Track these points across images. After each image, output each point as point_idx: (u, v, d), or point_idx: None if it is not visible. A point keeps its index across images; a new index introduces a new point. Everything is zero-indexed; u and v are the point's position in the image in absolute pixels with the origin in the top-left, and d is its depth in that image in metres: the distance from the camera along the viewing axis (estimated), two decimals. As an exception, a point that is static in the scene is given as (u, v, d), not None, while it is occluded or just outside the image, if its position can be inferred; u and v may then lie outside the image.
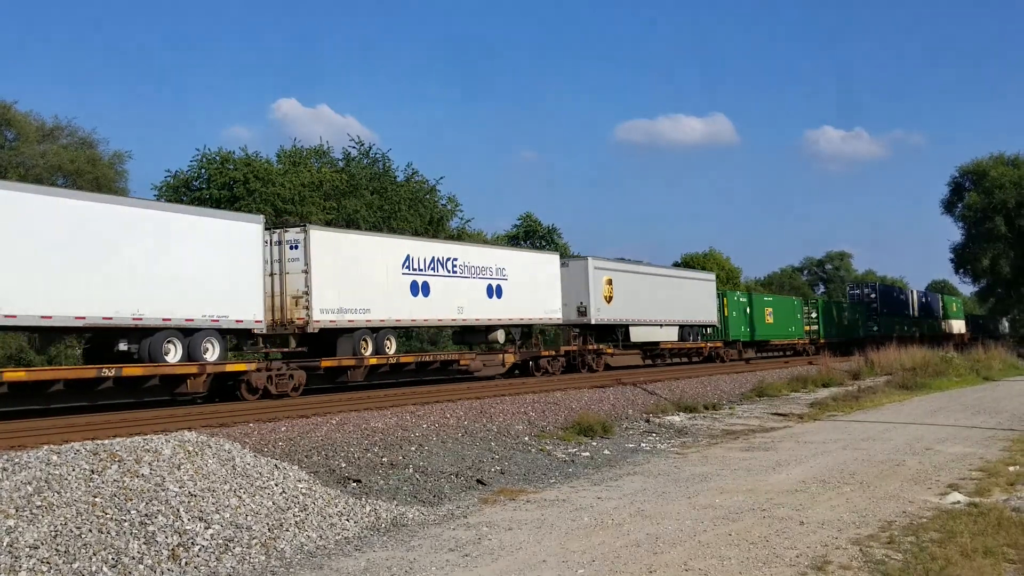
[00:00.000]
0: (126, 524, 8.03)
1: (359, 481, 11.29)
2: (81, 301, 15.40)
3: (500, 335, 25.91)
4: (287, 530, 8.81)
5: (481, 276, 24.71)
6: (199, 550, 7.92)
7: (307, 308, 19.53)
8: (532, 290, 26.66)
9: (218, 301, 17.61)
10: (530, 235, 54.22)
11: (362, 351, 20.88)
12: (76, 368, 17.01)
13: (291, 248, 19.77)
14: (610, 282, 30.08)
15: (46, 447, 9.60)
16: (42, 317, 14.92)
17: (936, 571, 7.04)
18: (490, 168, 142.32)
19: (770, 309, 42.95)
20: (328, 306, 19.95)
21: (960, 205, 55.78)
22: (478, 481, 12.03)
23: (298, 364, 19.43)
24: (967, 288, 76.19)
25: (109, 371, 15.65)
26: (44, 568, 7.10)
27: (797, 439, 15.83)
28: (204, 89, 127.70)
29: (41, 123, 35.87)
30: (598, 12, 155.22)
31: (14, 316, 14.48)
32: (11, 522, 7.59)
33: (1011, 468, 12.01)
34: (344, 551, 8.37)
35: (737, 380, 27.86)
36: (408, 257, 22.33)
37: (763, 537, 8.29)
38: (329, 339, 20.64)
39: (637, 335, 31.59)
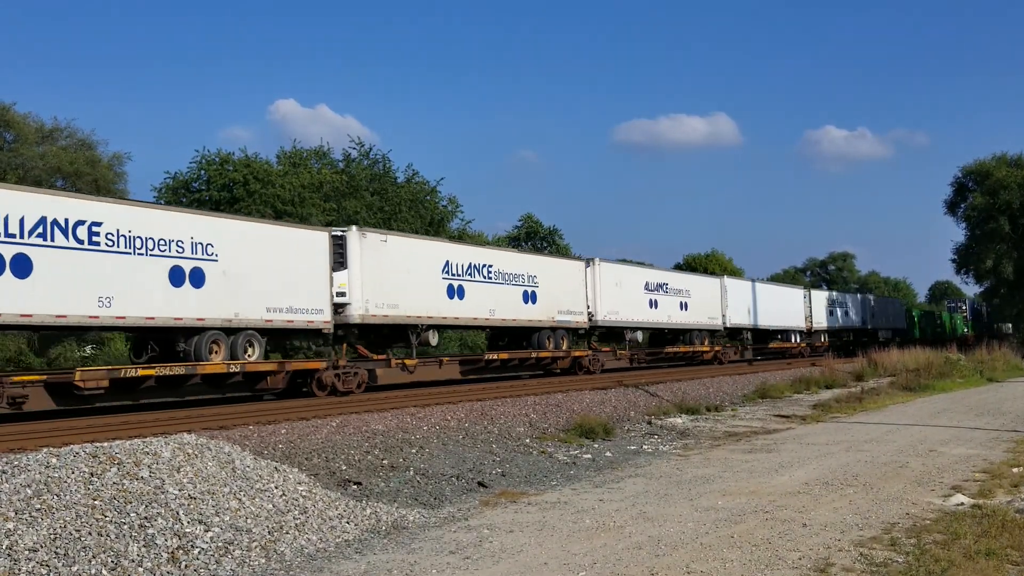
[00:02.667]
0: (125, 527, 8.00)
1: (359, 483, 11.25)
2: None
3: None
4: (287, 533, 8.77)
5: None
6: (199, 553, 7.88)
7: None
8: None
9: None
10: (531, 236, 54.15)
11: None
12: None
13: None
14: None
15: (45, 450, 9.56)
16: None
17: (938, 573, 7.00)
18: (490, 168, 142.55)
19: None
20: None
21: (963, 206, 55.54)
22: (479, 483, 11.99)
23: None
24: (969, 289, 76.28)
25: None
26: (43, 571, 7.07)
27: (800, 441, 15.79)
28: (203, 90, 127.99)
29: (40, 124, 35.74)
30: (599, 11, 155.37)
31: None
32: (10, 525, 7.56)
33: (1015, 470, 11.97)
34: (344, 554, 8.33)
35: (739, 382, 27.79)
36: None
37: (765, 539, 8.25)
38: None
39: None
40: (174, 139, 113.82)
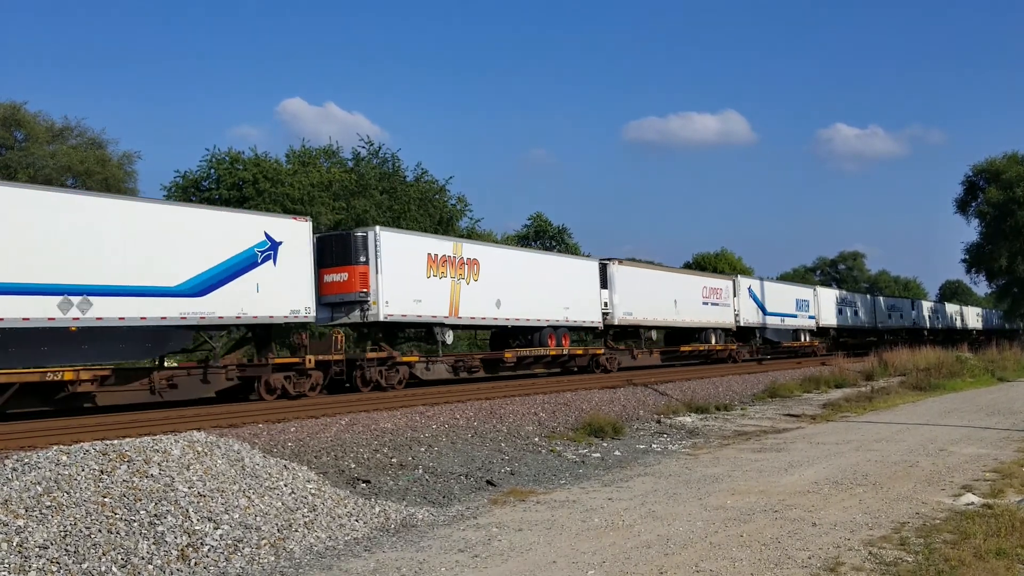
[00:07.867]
0: (135, 524, 8.03)
1: (368, 482, 11.27)
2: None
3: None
4: (296, 531, 8.80)
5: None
6: (208, 550, 7.91)
7: None
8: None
9: None
10: (540, 235, 54.13)
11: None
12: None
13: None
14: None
15: (56, 447, 9.61)
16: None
17: (948, 572, 6.97)
18: (499, 166, 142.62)
19: None
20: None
21: (974, 204, 55.33)
22: (488, 482, 12.00)
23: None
24: (980, 289, 75.73)
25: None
26: (54, 568, 7.10)
27: (809, 440, 15.74)
28: (211, 89, 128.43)
29: (51, 123, 35.90)
30: (610, 9, 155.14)
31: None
32: (21, 522, 7.60)
33: (1026, 469, 11.90)
34: (354, 552, 8.35)
35: (749, 381, 27.73)
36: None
37: (775, 538, 8.22)
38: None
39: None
40: (183, 138, 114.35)
